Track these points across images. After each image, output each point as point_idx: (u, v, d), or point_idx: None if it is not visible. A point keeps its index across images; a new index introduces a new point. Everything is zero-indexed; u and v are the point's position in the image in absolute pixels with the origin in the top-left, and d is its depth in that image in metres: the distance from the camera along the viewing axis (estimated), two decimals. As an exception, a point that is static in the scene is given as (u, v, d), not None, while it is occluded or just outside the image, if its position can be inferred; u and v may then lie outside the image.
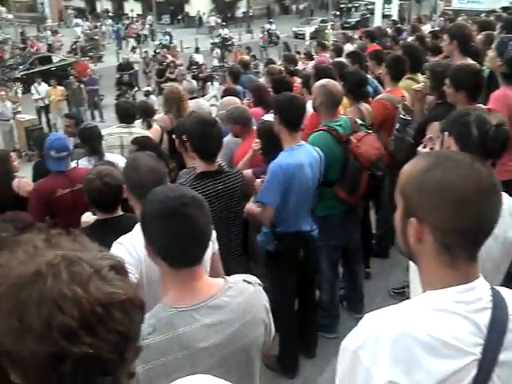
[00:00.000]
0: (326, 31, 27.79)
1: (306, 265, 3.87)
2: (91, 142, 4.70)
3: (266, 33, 31.36)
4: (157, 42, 27.10)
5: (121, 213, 3.17)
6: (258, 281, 1.88)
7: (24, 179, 4.78)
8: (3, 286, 0.91)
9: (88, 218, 3.47)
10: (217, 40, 29.52)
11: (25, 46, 28.52)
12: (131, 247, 2.37)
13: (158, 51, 22.27)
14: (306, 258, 3.80)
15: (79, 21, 34.61)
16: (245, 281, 1.82)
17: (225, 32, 31.74)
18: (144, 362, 1.56)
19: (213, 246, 2.52)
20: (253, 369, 1.85)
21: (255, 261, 4.52)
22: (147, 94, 14.10)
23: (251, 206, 3.68)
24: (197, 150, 3.27)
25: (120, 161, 4.64)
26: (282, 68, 7.55)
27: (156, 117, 6.09)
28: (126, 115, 5.44)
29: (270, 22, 32.86)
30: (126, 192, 2.70)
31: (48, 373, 0.87)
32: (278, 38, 32.04)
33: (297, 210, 3.68)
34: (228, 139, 4.33)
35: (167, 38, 29.30)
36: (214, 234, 2.54)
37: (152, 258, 1.74)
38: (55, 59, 23.00)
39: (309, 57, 10.90)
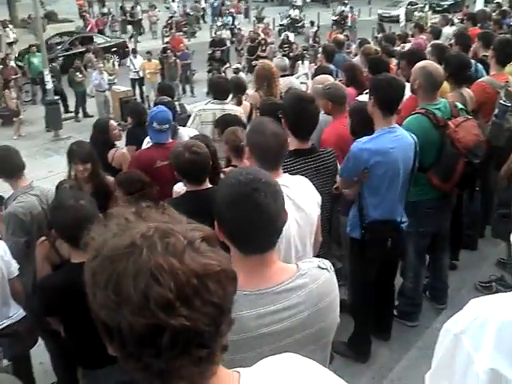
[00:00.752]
0: (416, 13, 26.40)
1: (390, 253, 3.79)
2: None
3: (355, 13, 30.20)
4: (219, 23, 26.04)
5: (209, 185, 3.22)
6: (331, 266, 1.81)
7: (121, 151, 4.94)
8: (98, 258, 0.92)
9: (179, 188, 3.56)
10: (285, 21, 28.09)
11: (123, 19, 29.29)
12: None
13: (218, 33, 21.67)
14: (392, 247, 3.71)
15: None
16: (319, 267, 1.75)
17: (295, 13, 30.09)
18: None
19: (317, 210, 2.60)
20: (326, 353, 1.81)
21: (337, 243, 4.50)
22: (237, 71, 14.16)
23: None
24: (292, 127, 3.22)
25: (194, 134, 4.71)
26: (378, 48, 7.35)
27: (247, 93, 6.15)
28: (219, 91, 5.46)
29: (345, 4, 31.47)
30: (248, 154, 2.68)
31: (145, 345, 0.87)
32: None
33: (387, 197, 3.59)
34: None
35: (230, 18, 27.94)
36: (319, 198, 2.64)
37: (223, 240, 1.70)
38: (99, 40, 21.65)
39: (403, 39, 10.54)
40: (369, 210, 3.62)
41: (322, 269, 1.74)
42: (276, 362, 1.16)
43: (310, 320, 1.66)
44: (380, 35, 14.66)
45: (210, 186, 3.22)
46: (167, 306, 0.85)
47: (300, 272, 1.68)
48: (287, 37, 19.53)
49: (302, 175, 3.08)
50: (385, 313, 4.24)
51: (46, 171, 9.93)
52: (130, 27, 28.48)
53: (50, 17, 28.87)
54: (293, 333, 1.64)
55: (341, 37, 9.83)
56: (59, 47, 20.15)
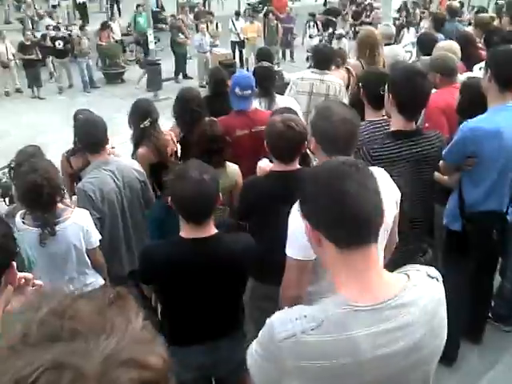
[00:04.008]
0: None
1: (495, 246, 3.42)
2: (264, 82, 4.51)
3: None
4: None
5: (298, 166, 2.98)
6: (439, 275, 1.57)
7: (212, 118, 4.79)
8: None
9: (264, 164, 3.33)
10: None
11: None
12: None
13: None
14: (498, 239, 3.36)
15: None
16: (429, 276, 1.52)
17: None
18: (300, 358, 1.36)
19: (394, 210, 2.29)
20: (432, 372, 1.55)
21: (429, 231, 4.15)
22: (339, 36, 13.65)
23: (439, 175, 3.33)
24: (399, 104, 2.87)
25: (292, 104, 4.44)
26: (494, 15, 6.64)
27: (348, 62, 5.83)
28: (322, 60, 5.18)
29: None
30: (313, 144, 2.43)
31: None
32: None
33: (495, 187, 3.25)
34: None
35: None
36: (398, 195, 2.33)
37: (313, 243, 1.49)
38: None
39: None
40: (471, 201, 3.31)
41: (432, 278, 1.53)
42: None
43: (424, 340, 1.43)
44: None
45: (299, 167, 2.97)
46: None
47: (413, 283, 1.45)
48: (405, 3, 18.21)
49: (402, 160, 2.81)
50: (479, 314, 3.95)
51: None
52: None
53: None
54: (409, 355, 1.41)
55: (455, 4, 9.04)
56: None
